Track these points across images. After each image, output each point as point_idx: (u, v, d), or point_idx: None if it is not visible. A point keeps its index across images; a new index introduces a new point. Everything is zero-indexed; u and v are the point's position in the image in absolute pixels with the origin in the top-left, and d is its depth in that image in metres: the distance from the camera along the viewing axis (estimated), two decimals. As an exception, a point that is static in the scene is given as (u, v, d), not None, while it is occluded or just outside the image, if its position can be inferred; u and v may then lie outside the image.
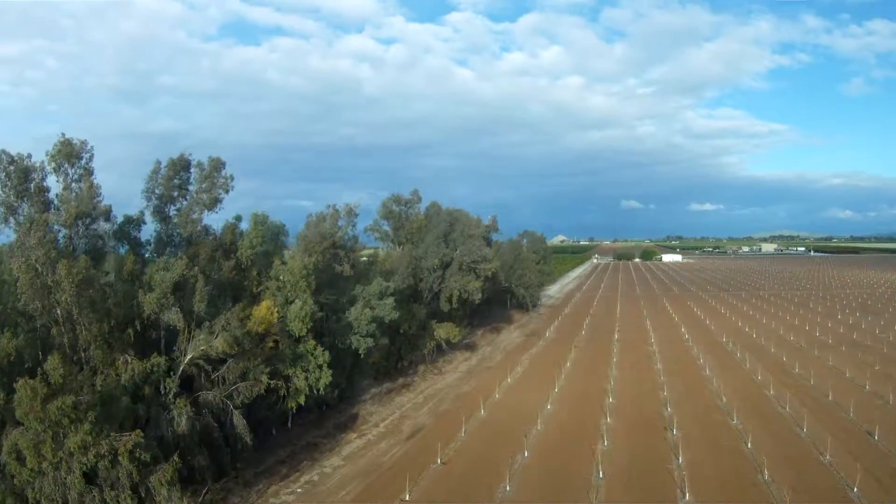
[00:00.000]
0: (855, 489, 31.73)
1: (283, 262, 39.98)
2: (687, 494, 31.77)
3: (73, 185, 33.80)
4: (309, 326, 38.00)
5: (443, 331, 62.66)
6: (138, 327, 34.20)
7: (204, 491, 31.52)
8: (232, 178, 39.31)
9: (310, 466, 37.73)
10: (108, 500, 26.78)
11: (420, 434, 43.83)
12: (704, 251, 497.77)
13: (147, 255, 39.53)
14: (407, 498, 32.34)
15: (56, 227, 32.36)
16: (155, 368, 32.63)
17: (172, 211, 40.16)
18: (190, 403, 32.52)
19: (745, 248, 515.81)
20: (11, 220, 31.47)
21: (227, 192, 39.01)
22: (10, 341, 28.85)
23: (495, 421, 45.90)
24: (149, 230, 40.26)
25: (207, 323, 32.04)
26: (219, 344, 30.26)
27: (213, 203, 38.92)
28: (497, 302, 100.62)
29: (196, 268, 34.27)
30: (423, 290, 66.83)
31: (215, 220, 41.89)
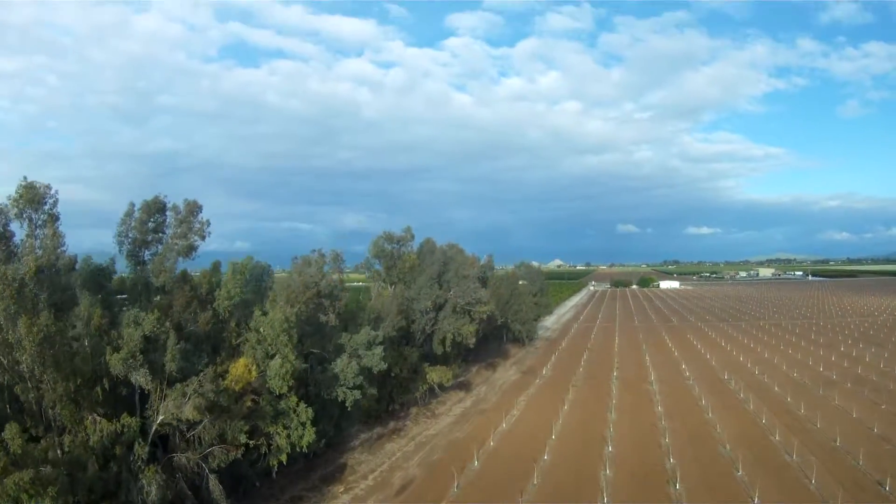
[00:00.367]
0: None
1: (264, 313, 37.83)
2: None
3: (38, 230, 32.26)
4: (290, 384, 35.85)
5: (435, 374, 60.65)
6: (107, 386, 32.18)
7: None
8: (208, 223, 37.97)
9: (292, 528, 35.61)
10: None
11: (410, 488, 41.70)
12: (702, 276, 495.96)
13: (122, 301, 37.80)
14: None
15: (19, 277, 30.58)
16: (126, 429, 30.77)
17: (147, 255, 38.57)
18: (161, 469, 30.51)
19: (743, 273, 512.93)
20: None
21: (203, 238, 37.45)
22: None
23: (489, 473, 43.78)
24: (122, 269, 38.79)
25: (179, 385, 30.01)
26: (188, 411, 28.27)
27: (189, 250, 37.42)
28: (493, 336, 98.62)
29: (168, 322, 32.45)
30: (416, 332, 64.73)
31: (193, 265, 40.39)
